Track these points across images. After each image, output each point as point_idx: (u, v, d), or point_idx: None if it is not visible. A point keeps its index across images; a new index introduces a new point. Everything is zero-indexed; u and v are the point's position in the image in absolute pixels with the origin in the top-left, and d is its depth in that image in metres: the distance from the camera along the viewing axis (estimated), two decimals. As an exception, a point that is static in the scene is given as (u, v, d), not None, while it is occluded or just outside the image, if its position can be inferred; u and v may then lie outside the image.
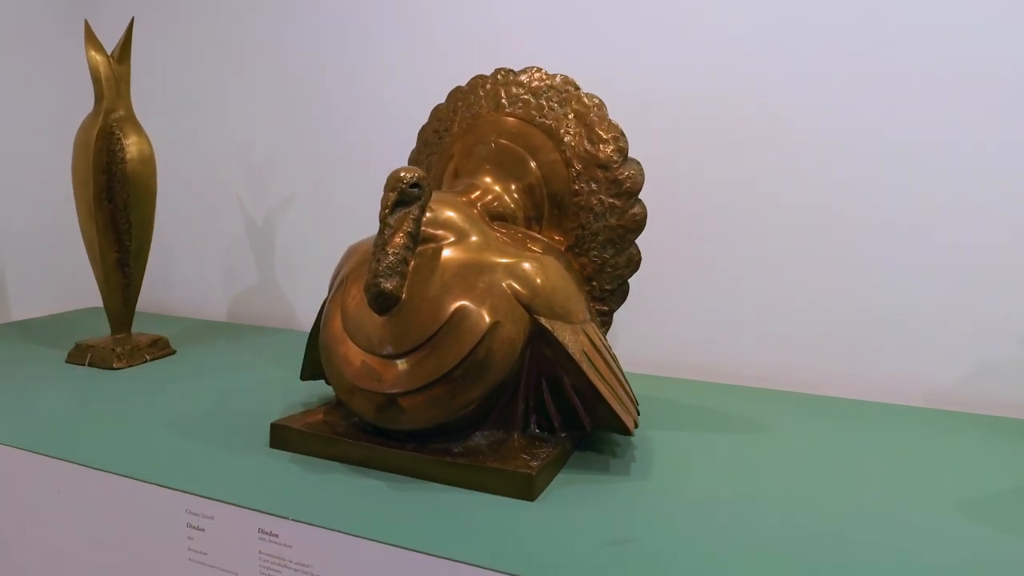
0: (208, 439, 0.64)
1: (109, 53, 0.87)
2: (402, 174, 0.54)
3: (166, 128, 1.10)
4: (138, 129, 0.89)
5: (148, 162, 0.89)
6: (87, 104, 0.88)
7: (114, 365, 0.87)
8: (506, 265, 0.57)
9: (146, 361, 0.91)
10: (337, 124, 1.09)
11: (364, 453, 0.58)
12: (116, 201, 0.88)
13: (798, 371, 0.85)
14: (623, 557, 0.45)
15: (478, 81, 0.73)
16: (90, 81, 0.87)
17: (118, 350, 0.89)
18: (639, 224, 0.66)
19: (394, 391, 0.55)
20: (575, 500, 0.53)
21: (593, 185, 0.66)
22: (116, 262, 0.90)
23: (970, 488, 0.57)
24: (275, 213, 1.16)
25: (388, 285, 0.53)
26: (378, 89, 1.05)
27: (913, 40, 0.78)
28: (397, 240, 0.54)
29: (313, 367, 0.72)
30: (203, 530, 0.53)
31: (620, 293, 0.68)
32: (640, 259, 0.67)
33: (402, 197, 0.54)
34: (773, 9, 0.83)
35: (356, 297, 0.58)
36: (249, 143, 1.16)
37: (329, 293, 0.65)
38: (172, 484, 0.55)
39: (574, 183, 0.67)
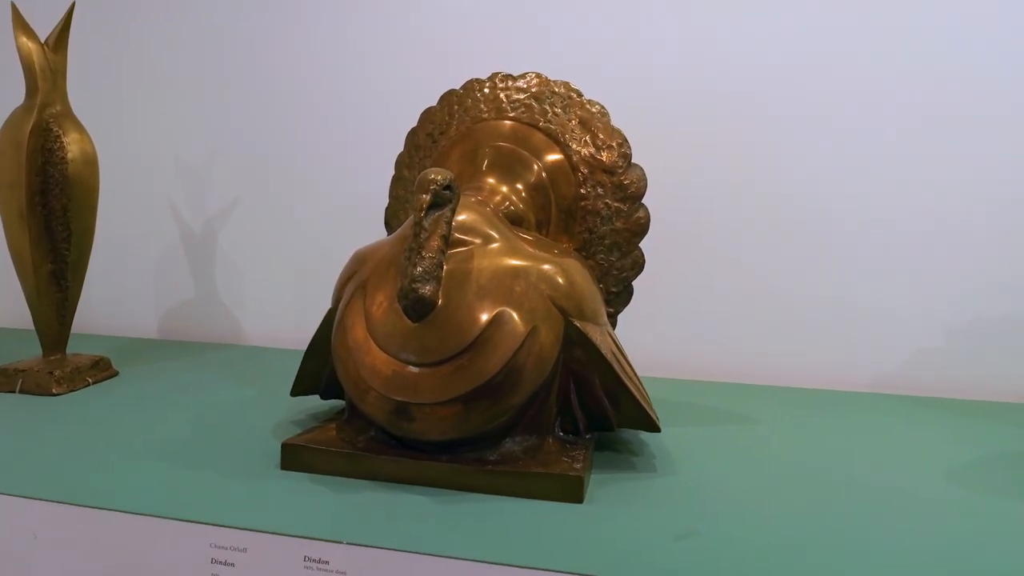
0: (206, 466, 0.59)
1: (43, 41, 0.78)
2: (434, 176, 0.53)
3: (89, 125, 1.00)
4: (78, 126, 0.80)
5: (91, 163, 0.81)
6: None
7: (53, 391, 0.78)
8: (538, 269, 0.56)
9: (88, 384, 0.82)
10: (284, 124, 1.04)
11: (395, 468, 0.55)
12: (52, 207, 0.79)
13: (785, 366, 0.91)
14: (692, 550, 0.46)
15: (474, 84, 0.72)
16: None
17: (56, 373, 0.79)
18: (643, 227, 0.68)
19: (433, 400, 0.53)
20: (619, 499, 0.54)
21: (599, 189, 0.67)
22: (50, 275, 0.80)
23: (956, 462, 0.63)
24: (216, 221, 1.08)
25: (426, 290, 0.51)
26: (332, 88, 1.01)
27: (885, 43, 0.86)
28: (432, 244, 0.52)
29: (308, 381, 0.68)
30: (232, 565, 0.48)
31: (625, 295, 0.69)
32: (644, 262, 0.69)
33: (436, 199, 0.53)
34: (758, 10, 0.88)
35: (383, 304, 0.55)
36: (184, 143, 1.07)
37: (337, 301, 0.62)
38: (188, 516, 0.50)
39: (581, 187, 0.67)
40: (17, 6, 0.78)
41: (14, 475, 0.56)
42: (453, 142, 0.71)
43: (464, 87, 0.72)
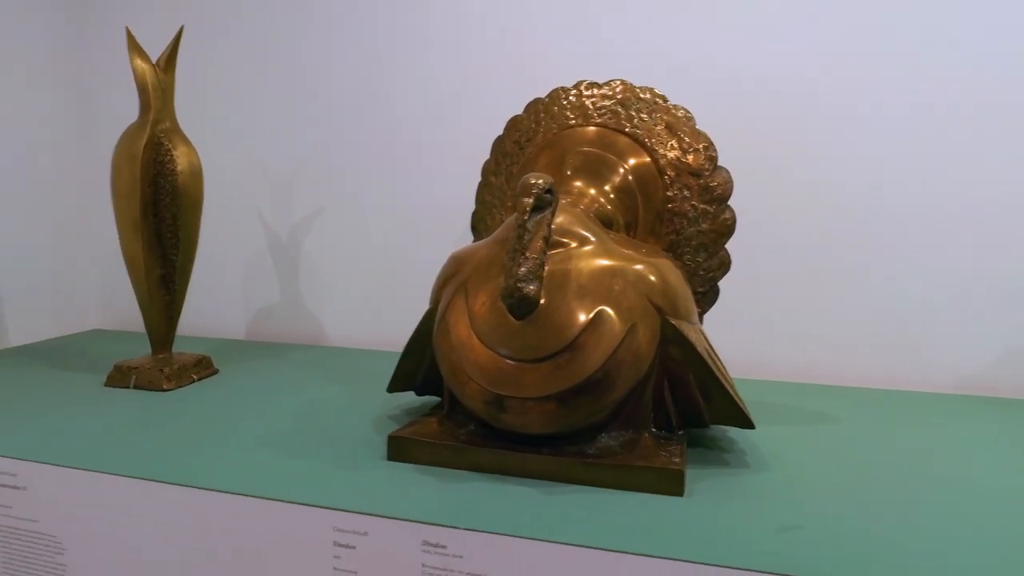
0: (317, 456, 0.62)
1: (155, 62, 0.84)
2: (536, 180, 0.55)
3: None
4: (185, 141, 0.86)
5: (197, 174, 0.86)
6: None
7: (163, 386, 0.83)
8: (634, 268, 0.58)
9: (193, 381, 0.87)
10: (363, 136, 1.08)
11: (497, 460, 0.58)
12: (163, 215, 0.84)
13: (865, 366, 0.91)
14: (796, 542, 0.47)
15: (559, 92, 0.74)
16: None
17: (165, 370, 0.85)
18: (730, 228, 0.69)
19: (535, 395, 0.55)
20: (718, 492, 0.55)
21: (686, 192, 0.69)
22: (160, 279, 0.86)
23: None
24: (300, 228, 1.13)
25: (530, 289, 0.54)
26: (406, 101, 1.05)
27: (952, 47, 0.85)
28: (535, 245, 0.55)
29: (404, 378, 0.71)
30: (354, 548, 0.52)
31: (712, 295, 0.71)
32: (730, 262, 0.70)
33: (538, 202, 0.55)
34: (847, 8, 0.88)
35: (486, 303, 0.58)
36: (272, 156, 1.13)
37: (436, 302, 0.65)
38: (310, 501, 0.53)
39: (668, 190, 0.69)
40: (131, 31, 0.84)
41: (142, 461, 0.61)
42: (540, 148, 0.74)
43: (550, 95, 0.75)
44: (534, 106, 0.75)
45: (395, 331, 1.08)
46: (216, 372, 0.92)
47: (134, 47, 0.83)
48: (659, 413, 0.61)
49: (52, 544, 0.62)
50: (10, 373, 0.92)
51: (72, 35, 1.20)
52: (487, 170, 0.78)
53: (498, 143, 0.77)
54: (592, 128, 0.72)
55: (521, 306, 0.54)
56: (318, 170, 1.11)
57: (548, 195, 0.56)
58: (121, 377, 0.85)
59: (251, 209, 1.15)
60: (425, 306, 0.67)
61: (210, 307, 1.18)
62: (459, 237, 1.04)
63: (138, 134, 0.83)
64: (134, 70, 0.83)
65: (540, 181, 0.55)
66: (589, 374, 0.54)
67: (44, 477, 0.61)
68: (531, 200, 0.55)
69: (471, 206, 0.94)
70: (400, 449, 0.61)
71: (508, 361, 0.56)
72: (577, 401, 0.55)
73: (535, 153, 0.74)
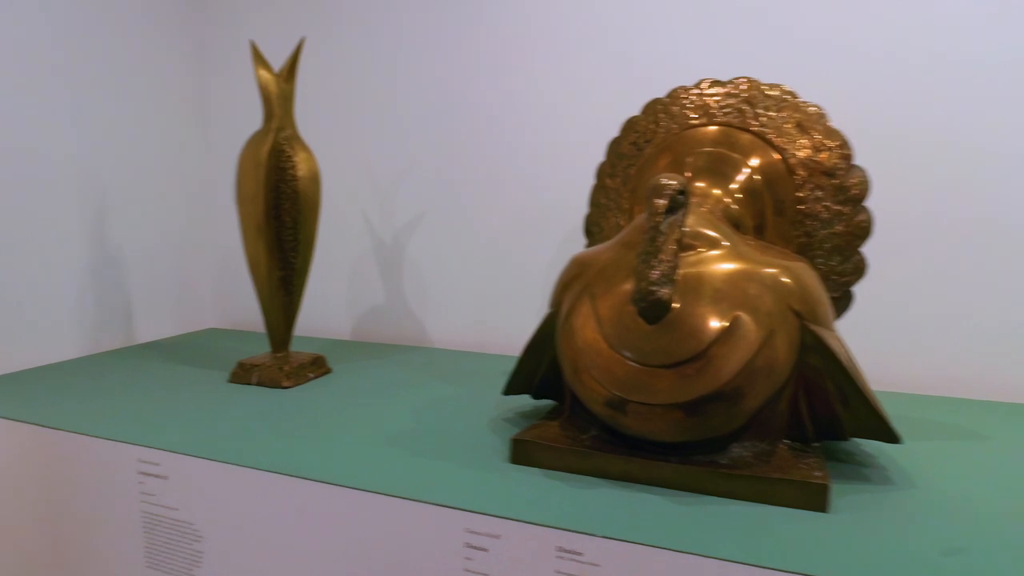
0: (441, 457, 0.63)
1: (277, 72, 0.87)
2: (669, 181, 0.54)
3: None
4: (305, 147, 0.89)
5: (316, 180, 0.89)
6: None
7: (283, 384, 0.87)
8: (771, 272, 0.56)
9: (309, 379, 0.90)
10: (466, 140, 1.09)
11: (624, 466, 0.57)
12: (284, 219, 0.88)
13: (1006, 380, 0.84)
14: (964, 567, 0.44)
15: (680, 92, 0.73)
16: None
17: (285, 369, 0.88)
18: (866, 231, 0.65)
19: (665, 402, 0.54)
20: (864, 509, 0.52)
21: (818, 192, 0.66)
22: (280, 280, 0.89)
23: None
24: (403, 232, 1.15)
25: (664, 293, 0.52)
26: (509, 105, 1.05)
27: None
28: (669, 247, 0.53)
29: (522, 381, 0.71)
30: (486, 550, 0.52)
31: (845, 301, 0.67)
32: (866, 266, 0.66)
33: (672, 204, 0.54)
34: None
35: (615, 306, 0.57)
36: (377, 159, 1.16)
37: (558, 305, 0.64)
38: (441, 501, 0.53)
39: (798, 190, 0.66)
40: (256, 44, 0.88)
41: (275, 455, 0.63)
42: (660, 149, 0.72)
43: (670, 95, 0.73)
44: (652, 106, 0.74)
45: (497, 334, 1.09)
46: (330, 371, 0.95)
47: (259, 59, 0.87)
48: (793, 423, 0.58)
49: (190, 532, 0.65)
50: (143, 367, 0.98)
51: (194, 47, 1.27)
52: (602, 172, 0.77)
53: (614, 145, 0.76)
54: (715, 127, 0.70)
55: (654, 310, 0.53)
56: (423, 174, 1.13)
57: (681, 196, 0.55)
58: (244, 374, 0.89)
59: (356, 212, 1.18)
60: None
61: (317, 308, 1.22)
62: (565, 240, 1.03)
63: (262, 141, 0.86)
64: (259, 80, 0.87)
65: (673, 182, 0.54)
66: (723, 382, 0.53)
67: (185, 467, 0.64)
68: (664, 201, 0.53)
69: (579, 209, 0.93)
70: (524, 452, 0.60)
71: (637, 366, 0.54)
72: (709, 410, 0.53)
73: (654, 154, 0.72)
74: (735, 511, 0.52)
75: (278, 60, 1.12)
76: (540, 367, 0.69)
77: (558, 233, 1.04)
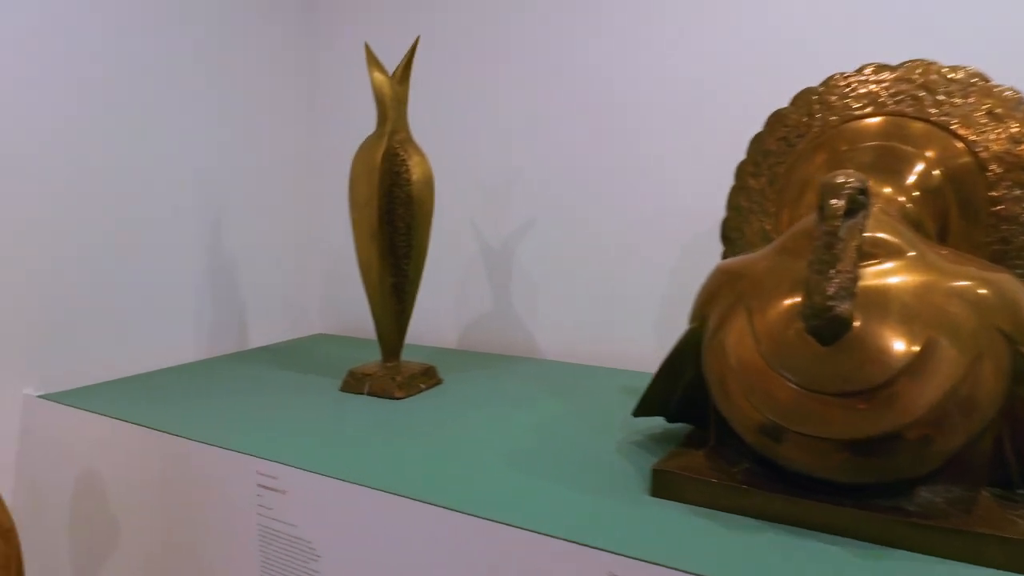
0: (568, 484, 0.58)
1: (391, 74, 0.85)
2: (846, 179, 0.46)
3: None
4: (419, 151, 0.86)
5: (430, 184, 0.86)
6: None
7: (395, 395, 0.84)
8: (973, 286, 0.47)
9: (421, 390, 0.87)
10: (577, 141, 1.04)
11: (787, 508, 0.49)
12: (397, 225, 0.85)
13: None
14: None
15: (837, 80, 0.64)
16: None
17: (397, 379, 0.85)
18: (1077, 236, 0.55)
19: (842, 437, 0.46)
20: (1103, 581, 0.42)
21: (1017, 191, 0.56)
22: (392, 288, 0.87)
23: None
24: (513, 238, 1.11)
25: (843, 309, 0.45)
26: (626, 102, 0.99)
27: None
28: (848, 256, 0.45)
29: (655, 403, 0.64)
30: (632, 596, 0.46)
31: (1049, 319, 0.57)
32: (1077, 279, 0.55)
33: (851, 205, 0.46)
34: None
35: (778, 322, 0.49)
36: (487, 162, 1.12)
37: (702, 320, 0.58)
38: (583, 539, 0.48)
39: (992, 189, 0.56)
40: (370, 45, 0.86)
41: (393, 474, 0.59)
42: (815, 144, 0.64)
43: (826, 83, 0.65)
44: (805, 97, 0.66)
45: (612, 347, 1.03)
46: (441, 382, 0.92)
47: (372, 61, 0.85)
48: (996, 465, 0.49)
49: (307, 550, 0.63)
50: (257, 373, 0.98)
51: (306, 49, 1.28)
52: (743, 172, 0.69)
53: (757, 141, 0.69)
54: (882, 118, 0.61)
55: (831, 328, 0.45)
56: (535, 176, 1.08)
57: (862, 197, 0.47)
58: (356, 383, 0.87)
59: (464, 217, 1.15)
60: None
61: (424, 315, 1.19)
62: (690, 247, 0.96)
63: (376, 145, 0.84)
64: (373, 83, 0.85)
65: (852, 180, 0.46)
66: (914, 418, 0.44)
67: (302, 483, 0.62)
68: (842, 202, 0.46)
69: (708, 212, 0.86)
70: (666, 485, 0.54)
71: (804, 391, 0.47)
72: (894, 449, 0.45)
73: (808, 150, 0.64)
74: (927, 570, 0.43)
75: (388, 59, 1.10)
76: (678, 388, 0.62)
77: (683, 239, 0.97)
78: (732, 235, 0.70)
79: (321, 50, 1.28)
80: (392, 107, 0.85)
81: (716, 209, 0.75)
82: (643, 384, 0.64)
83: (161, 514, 0.74)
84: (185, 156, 1.07)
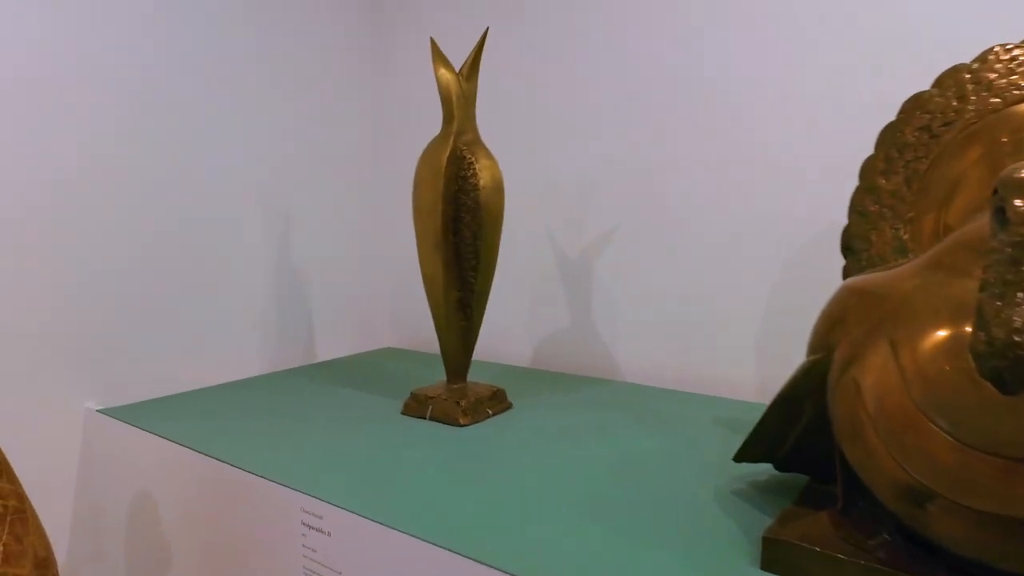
0: (660, 544, 0.48)
1: (458, 70, 0.78)
2: (1033, 174, 0.35)
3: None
4: (487, 153, 0.79)
5: (499, 190, 0.79)
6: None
7: (460, 421, 0.76)
8: None
9: (488, 416, 0.79)
10: (673, 140, 0.93)
11: (949, 602, 0.38)
12: (463, 234, 0.77)
13: None
14: None
15: (998, 52, 0.52)
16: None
17: (462, 403, 0.77)
18: None
19: (1029, 516, 0.34)
20: None
21: None
22: (458, 302, 0.80)
23: None
24: (592, 248, 1.02)
25: (1035, 347, 0.33)
26: (737, 92, 0.88)
27: None
28: (1038, 277, 0.34)
29: (762, 447, 0.54)
30: None
31: None
32: None
33: (1044, 210, 0.35)
34: None
35: (933, 359, 0.38)
36: (563, 165, 1.04)
37: (826, 350, 0.47)
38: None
39: None
40: (435, 40, 0.79)
41: (454, 526, 0.51)
42: (968, 134, 0.52)
43: (981, 58, 0.53)
44: (954, 76, 0.54)
45: (702, 371, 0.92)
46: (510, 407, 0.83)
47: (438, 56, 0.78)
48: None
49: (355, 600, 0.56)
50: (319, 390, 0.93)
51: (368, 53, 1.24)
52: (871, 170, 0.58)
53: (890, 132, 0.57)
54: (1063, 96, 0.48)
55: (1016, 371, 0.34)
56: (616, 180, 0.98)
57: (1058, 197, 0.35)
58: (418, 406, 0.80)
59: (538, 226, 1.07)
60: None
61: (494, 330, 1.11)
62: (797, 259, 0.84)
63: (441, 147, 0.77)
64: (438, 80, 0.78)
65: (1046, 174, 0.35)
66: None
67: (347, 525, 0.55)
68: (1031, 205, 0.34)
69: (822, 218, 0.75)
70: (782, 558, 0.43)
71: (974, 452, 0.36)
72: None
73: (958, 141, 0.52)
74: None
75: (455, 55, 1.04)
76: (792, 432, 0.51)
77: (789, 249, 0.85)
78: (856, 245, 0.58)
79: (385, 49, 1.23)
80: (459, 106, 0.78)
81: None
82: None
83: (209, 543, 0.69)
84: (250, 166, 1.04)
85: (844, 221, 0.59)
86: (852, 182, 0.59)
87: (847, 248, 0.59)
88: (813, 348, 0.48)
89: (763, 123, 0.85)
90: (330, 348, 1.18)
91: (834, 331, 0.46)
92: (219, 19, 0.99)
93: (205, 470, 0.68)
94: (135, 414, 0.83)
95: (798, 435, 0.50)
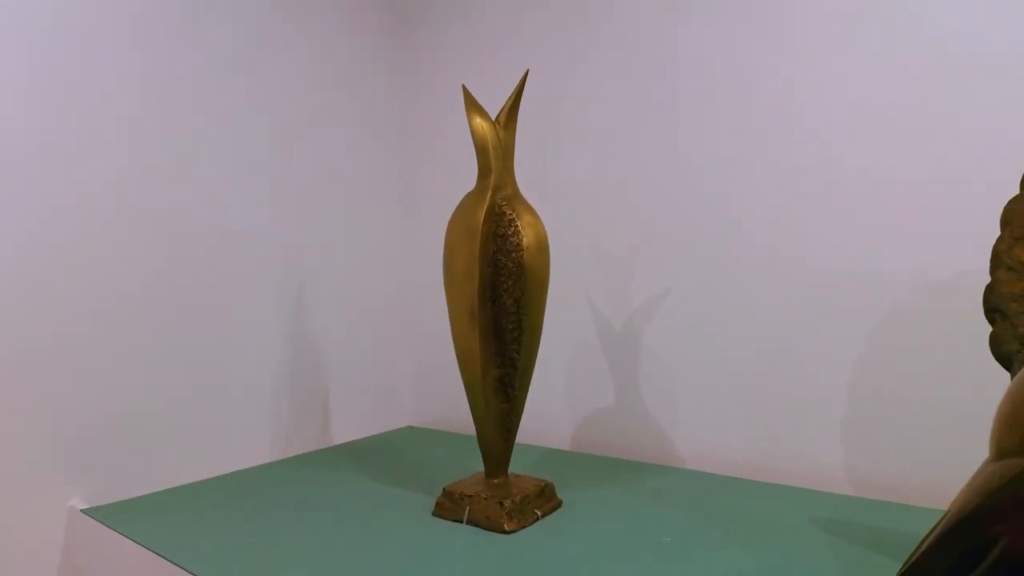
0: None
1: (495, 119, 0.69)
2: None
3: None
4: (530, 209, 0.69)
5: (544, 250, 0.68)
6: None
7: (505, 527, 0.64)
8: None
9: (536, 519, 0.67)
10: (731, 192, 0.83)
11: None
12: (503, 301, 0.67)
13: None
14: None
15: None
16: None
17: (506, 504, 0.65)
18: None
19: None
20: None
21: None
22: (498, 381, 0.68)
23: None
24: (639, 315, 0.90)
25: None
26: (817, 129, 0.79)
27: None
28: None
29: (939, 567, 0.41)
30: None
31: None
32: None
33: None
34: None
35: None
36: (606, 224, 0.94)
37: (1018, 454, 0.35)
38: None
39: None
40: (467, 88, 0.70)
41: None
42: None
43: None
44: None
45: (781, 455, 0.78)
46: (560, 504, 0.70)
47: (472, 105, 0.69)
48: None
49: None
50: (335, 482, 0.80)
51: (395, 98, 1.17)
52: (1017, 214, 0.47)
53: (1039, 167, 0.46)
54: None
55: None
56: (668, 240, 0.88)
57: None
58: (452, 507, 0.67)
59: (579, 291, 0.96)
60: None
61: (532, 409, 0.99)
62: (899, 320, 0.72)
63: (477, 203, 0.67)
64: (473, 130, 0.69)
65: None
66: None
67: None
68: None
69: (934, 278, 0.65)
70: None
71: None
72: None
73: None
74: None
75: (489, 101, 0.96)
76: (973, 557, 0.38)
77: (880, 311, 0.73)
78: (1009, 308, 0.47)
79: (413, 101, 1.16)
80: (496, 157, 0.68)
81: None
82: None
83: None
84: (259, 229, 0.95)
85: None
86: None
87: (994, 311, 0.47)
88: (1001, 449, 0.36)
89: (859, 164, 0.75)
90: (347, 427, 1.06)
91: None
92: (231, 94, 0.92)
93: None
94: (125, 514, 0.71)
95: (989, 568, 0.38)
